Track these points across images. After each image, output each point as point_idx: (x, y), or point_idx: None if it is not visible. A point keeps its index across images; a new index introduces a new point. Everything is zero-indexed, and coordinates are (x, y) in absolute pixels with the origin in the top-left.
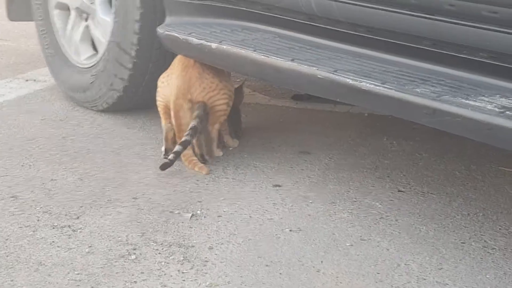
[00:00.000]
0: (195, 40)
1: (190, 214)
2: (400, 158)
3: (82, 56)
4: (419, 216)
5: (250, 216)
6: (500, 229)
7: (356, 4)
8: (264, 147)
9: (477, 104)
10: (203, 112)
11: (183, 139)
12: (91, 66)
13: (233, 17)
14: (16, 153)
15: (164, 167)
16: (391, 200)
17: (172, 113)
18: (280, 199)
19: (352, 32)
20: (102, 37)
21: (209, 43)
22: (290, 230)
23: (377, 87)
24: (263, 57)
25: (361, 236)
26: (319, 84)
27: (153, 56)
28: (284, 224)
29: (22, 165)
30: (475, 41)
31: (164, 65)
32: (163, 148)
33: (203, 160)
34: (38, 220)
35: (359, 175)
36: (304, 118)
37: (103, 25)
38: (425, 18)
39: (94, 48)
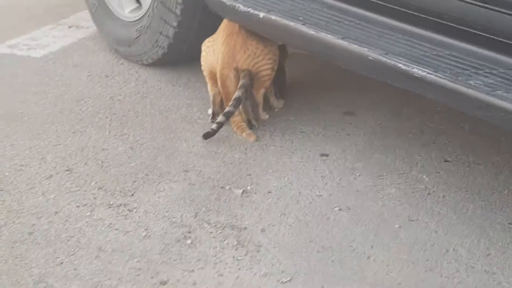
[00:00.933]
0: (242, 7)
1: (241, 190)
2: (445, 121)
3: (126, 9)
4: (466, 191)
5: (299, 192)
6: None
7: None
8: (309, 107)
9: None
10: (249, 80)
11: (226, 109)
12: (135, 21)
13: None
14: (67, 118)
15: (207, 136)
16: (438, 172)
17: (219, 82)
18: (328, 171)
19: (404, 10)
20: None
21: (256, 12)
22: (340, 209)
23: (430, 75)
24: (312, 32)
25: (409, 216)
26: (370, 66)
27: (198, 15)
28: (333, 202)
29: (74, 132)
30: None
31: (209, 23)
32: (210, 111)
33: (251, 126)
34: (94, 198)
35: (404, 141)
36: (347, 73)
37: None
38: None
39: (137, 0)
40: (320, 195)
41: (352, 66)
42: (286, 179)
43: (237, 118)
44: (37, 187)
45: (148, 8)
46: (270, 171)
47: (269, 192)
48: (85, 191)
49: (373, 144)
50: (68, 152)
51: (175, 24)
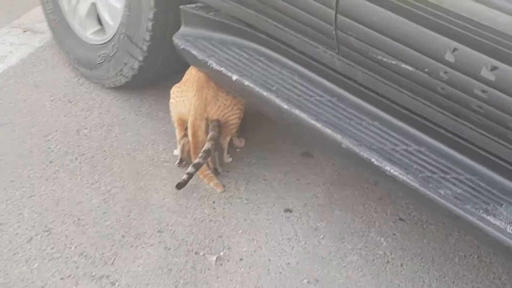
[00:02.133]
0: (214, 65)
1: (215, 257)
2: None
3: (88, 30)
4: (421, 259)
5: (269, 260)
6: (493, 278)
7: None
8: (269, 148)
9: (496, 221)
10: (218, 132)
11: (196, 161)
12: (98, 45)
13: (251, 40)
14: (37, 159)
15: (179, 186)
16: (394, 234)
17: (189, 132)
18: (293, 232)
19: (375, 97)
20: (110, 20)
21: (230, 74)
22: (308, 282)
23: (401, 176)
24: (286, 107)
25: None
26: (343, 153)
27: (164, 51)
28: (301, 273)
29: (47, 179)
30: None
31: (175, 57)
32: (176, 152)
33: (217, 173)
34: (77, 268)
35: (361, 194)
36: None
37: (111, 9)
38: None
39: (100, 21)
40: (289, 263)
41: (326, 148)
42: (255, 242)
43: (203, 166)
44: (20, 253)
45: (113, 37)
46: (240, 231)
47: (241, 259)
48: (67, 258)
49: (332, 197)
50: (44, 206)
51: (140, 58)
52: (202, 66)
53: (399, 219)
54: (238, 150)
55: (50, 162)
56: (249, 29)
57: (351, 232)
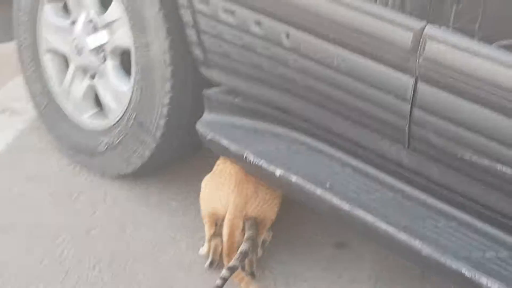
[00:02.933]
0: (252, 158)
1: None
2: None
3: (84, 114)
4: None
5: None
6: None
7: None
8: (299, 241)
9: None
10: (255, 230)
11: (231, 264)
12: (98, 130)
13: (290, 128)
14: (50, 269)
15: None
16: None
17: (226, 232)
18: None
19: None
20: (115, 103)
21: (272, 168)
22: None
23: None
24: (347, 207)
25: None
26: (423, 261)
27: (179, 138)
28: None
29: None
30: None
31: (188, 144)
32: (202, 251)
33: (253, 276)
34: None
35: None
36: None
37: (116, 92)
38: None
39: (97, 102)
40: None
41: (399, 254)
42: None
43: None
44: None
45: (118, 121)
46: None
47: None
48: None
49: None
50: None
51: (153, 145)
52: (236, 158)
53: None
54: (266, 244)
55: (66, 273)
56: (288, 116)
57: None
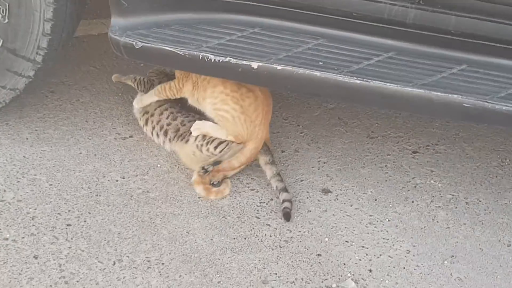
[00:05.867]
0: (211, 56)
1: None
2: None
3: None
4: None
5: None
6: None
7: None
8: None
9: None
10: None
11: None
12: None
13: (235, 12)
14: None
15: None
16: None
17: (242, 160)
18: None
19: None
20: None
21: (245, 62)
22: None
23: None
24: (358, 81)
25: None
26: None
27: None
28: None
29: None
30: None
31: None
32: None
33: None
34: None
35: None
36: None
37: None
38: None
39: None
40: None
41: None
42: None
43: None
44: None
45: None
46: None
47: None
48: None
49: None
50: None
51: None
52: (186, 64)
53: None
54: None
55: None
56: None
57: None
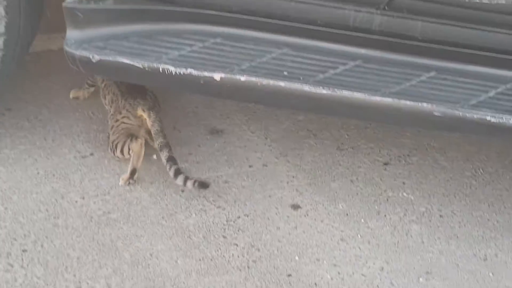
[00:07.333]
0: (172, 68)
1: None
2: None
3: None
4: None
5: None
6: None
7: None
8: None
9: None
10: None
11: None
12: None
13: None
14: None
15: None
16: None
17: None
18: None
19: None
20: None
21: (207, 74)
22: None
23: None
24: (325, 91)
25: None
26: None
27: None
28: None
29: None
30: None
31: None
32: None
33: None
34: None
35: None
36: None
37: None
38: None
39: None
40: None
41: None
42: None
43: None
44: None
45: None
46: None
47: None
48: None
49: None
50: None
51: None
52: (147, 77)
53: None
54: None
55: None
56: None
57: None
